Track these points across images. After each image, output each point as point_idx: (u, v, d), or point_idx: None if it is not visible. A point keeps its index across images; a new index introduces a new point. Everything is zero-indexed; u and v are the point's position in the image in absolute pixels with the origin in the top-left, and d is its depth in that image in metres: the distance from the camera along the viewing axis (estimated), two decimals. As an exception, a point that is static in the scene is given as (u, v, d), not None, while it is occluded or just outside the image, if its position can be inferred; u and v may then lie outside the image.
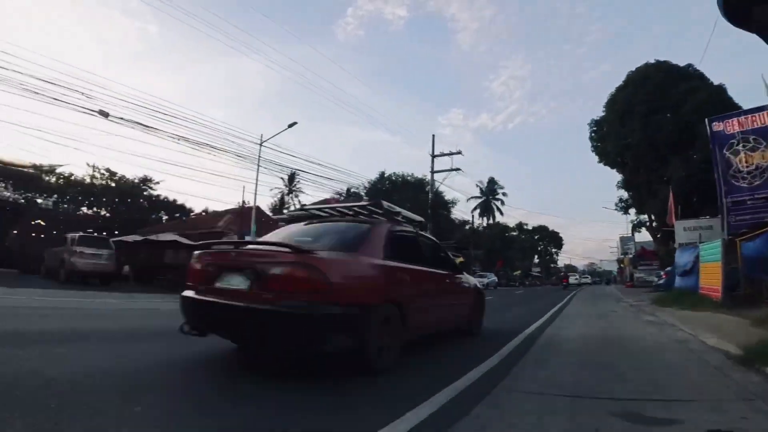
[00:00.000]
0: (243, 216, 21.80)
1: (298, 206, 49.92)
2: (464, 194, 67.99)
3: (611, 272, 79.93)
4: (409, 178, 59.96)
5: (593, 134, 27.38)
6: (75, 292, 12.05)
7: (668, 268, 18.75)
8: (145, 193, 36.40)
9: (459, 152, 34.24)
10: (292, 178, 61.03)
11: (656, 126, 22.28)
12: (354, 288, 3.77)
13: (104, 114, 15.06)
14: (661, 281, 18.61)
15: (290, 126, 20.14)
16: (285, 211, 42.70)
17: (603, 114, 27.01)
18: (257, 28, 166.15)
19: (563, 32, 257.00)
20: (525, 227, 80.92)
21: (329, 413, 2.77)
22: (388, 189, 57.59)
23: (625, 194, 27.81)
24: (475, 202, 63.50)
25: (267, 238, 5.15)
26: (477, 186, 66.94)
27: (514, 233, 71.16)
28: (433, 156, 35.35)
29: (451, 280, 5.95)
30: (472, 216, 59.09)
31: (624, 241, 40.31)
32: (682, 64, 24.19)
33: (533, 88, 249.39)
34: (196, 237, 24.70)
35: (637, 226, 28.11)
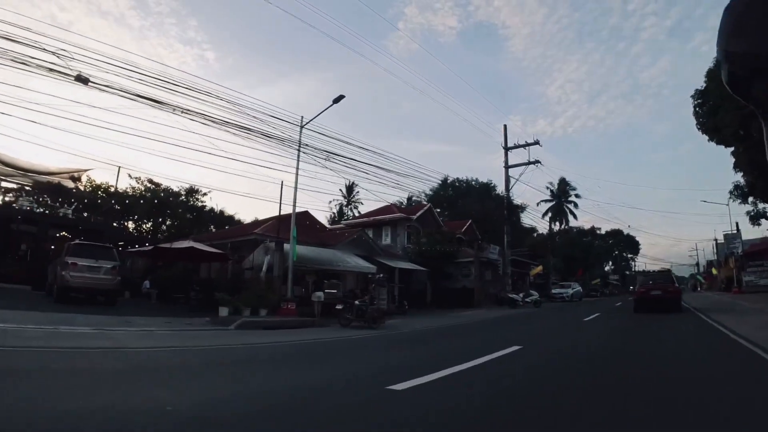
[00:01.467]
0: (282, 222, 18.66)
1: (355, 217, 46.98)
2: (538, 193, 62.26)
3: (695, 276, 71.30)
4: (473, 183, 55.99)
5: (698, 108, 22.39)
6: (51, 315, 10.02)
7: None
8: (190, 204, 34.25)
9: (537, 142, 29.97)
10: (350, 189, 58.86)
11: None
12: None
13: (83, 80, 12.46)
14: None
15: (336, 101, 16.86)
16: (343, 222, 39.78)
17: (706, 83, 22.13)
18: (310, 49, 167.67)
19: (617, 30, 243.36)
20: (598, 231, 74.06)
21: None
22: (452, 196, 53.62)
23: (741, 179, 22.25)
24: (545, 207, 58.21)
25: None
26: (548, 188, 61.59)
27: (586, 238, 64.52)
28: (507, 148, 31.25)
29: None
30: (550, 222, 54.01)
31: (729, 239, 33.91)
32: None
33: (590, 90, 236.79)
34: (225, 246, 21.84)
35: (755, 218, 22.47)
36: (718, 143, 21.96)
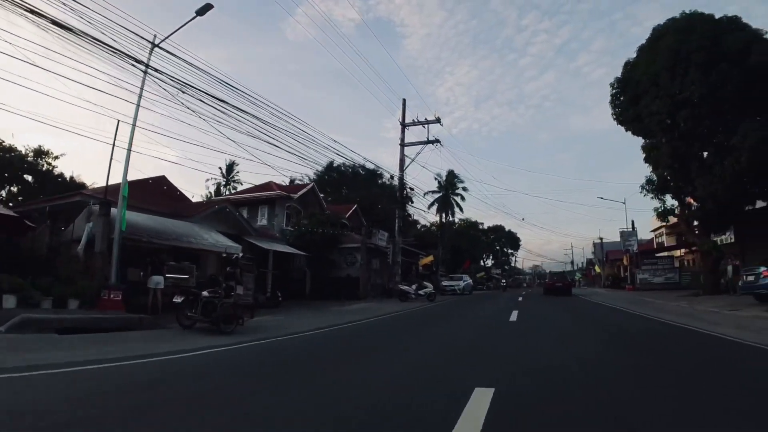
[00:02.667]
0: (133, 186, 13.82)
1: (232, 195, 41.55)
2: (433, 179, 60.72)
3: (573, 274, 76.38)
4: (359, 169, 52.80)
5: (617, 97, 21.37)
6: None
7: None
8: (38, 167, 26.26)
9: (437, 120, 27.53)
10: (230, 168, 52.69)
11: (721, 78, 16.60)
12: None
13: None
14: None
15: (200, 13, 12.47)
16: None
17: (626, 72, 21.20)
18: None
19: (509, 41, 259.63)
20: (481, 226, 75.74)
21: None
22: (336, 179, 50.24)
23: (649, 173, 21.18)
24: (431, 198, 57.20)
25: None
26: (436, 179, 61.00)
27: (473, 231, 65.01)
28: (404, 124, 28.43)
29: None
30: (438, 213, 52.80)
31: (625, 236, 34.57)
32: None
33: (478, 95, 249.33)
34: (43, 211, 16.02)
35: (663, 214, 21.85)
36: (636, 134, 20.90)
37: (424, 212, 53.61)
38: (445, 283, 34.24)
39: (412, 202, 28.08)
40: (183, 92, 12.87)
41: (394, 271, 26.44)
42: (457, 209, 60.98)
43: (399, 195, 26.78)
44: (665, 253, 35.01)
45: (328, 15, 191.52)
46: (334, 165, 48.90)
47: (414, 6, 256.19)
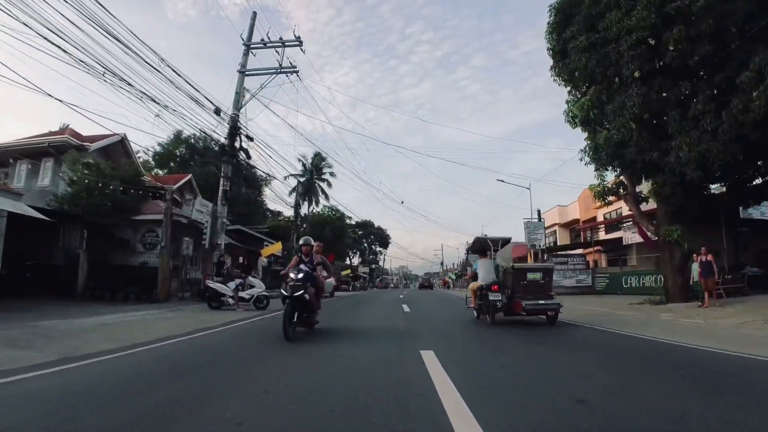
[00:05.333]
0: None
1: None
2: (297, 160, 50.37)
3: (445, 275, 78.15)
4: (213, 144, 41.38)
5: (559, 25, 14.71)
6: None
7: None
8: None
9: (298, 40, 18.82)
10: None
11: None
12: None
13: None
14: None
15: None
16: None
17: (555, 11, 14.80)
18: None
19: (391, 48, 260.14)
20: (348, 221, 68.02)
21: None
22: (185, 156, 38.93)
23: (582, 141, 14.72)
24: (292, 183, 47.76)
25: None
26: (299, 160, 51.93)
27: (339, 222, 56.07)
28: (249, 44, 19.28)
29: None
30: (297, 198, 43.09)
31: (530, 228, 27.85)
32: None
33: (356, 95, 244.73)
34: None
35: (603, 195, 15.41)
36: (581, 81, 14.22)
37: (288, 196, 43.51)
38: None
39: (249, 158, 18.62)
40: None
41: (214, 260, 16.85)
42: (322, 197, 52.82)
43: (229, 142, 17.29)
44: (580, 251, 30.27)
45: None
46: (182, 136, 37.92)
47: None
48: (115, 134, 21.51)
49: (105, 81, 12.26)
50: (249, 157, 18.87)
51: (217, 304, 13.47)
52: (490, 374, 4.54)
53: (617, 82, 13.20)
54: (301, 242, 7.76)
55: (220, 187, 17.45)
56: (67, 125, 25.59)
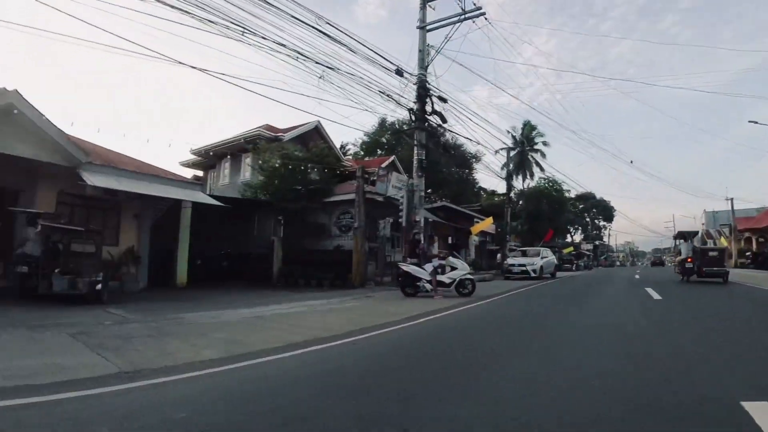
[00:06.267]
0: None
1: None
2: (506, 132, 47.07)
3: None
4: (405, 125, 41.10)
5: None
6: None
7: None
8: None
9: (479, 10, 16.11)
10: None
11: None
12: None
13: None
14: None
15: None
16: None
17: None
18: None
19: (588, 7, 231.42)
20: (567, 194, 60.38)
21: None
22: (391, 143, 39.61)
23: None
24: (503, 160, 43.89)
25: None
26: (509, 132, 47.84)
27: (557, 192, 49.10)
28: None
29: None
30: (509, 172, 39.37)
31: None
32: None
33: (558, 64, 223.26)
34: None
35: None
36: None
37: (499, 176, 40.12)
38: (511, 261, 22.07)
39: (445, 121, 16.49)
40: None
41: (412, 240, 15.31)
42: (537, 168, 47.80)
43: (419, 106, 15.51)
44: None
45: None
46: (387, 123, 38.67)
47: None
48: (308, 123, 22.12)
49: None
50: (444, 120, 16.81)
51: (412, 290, 11.71)
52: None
53: None
54: None
55: (415, 157, 15.79)
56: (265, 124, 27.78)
